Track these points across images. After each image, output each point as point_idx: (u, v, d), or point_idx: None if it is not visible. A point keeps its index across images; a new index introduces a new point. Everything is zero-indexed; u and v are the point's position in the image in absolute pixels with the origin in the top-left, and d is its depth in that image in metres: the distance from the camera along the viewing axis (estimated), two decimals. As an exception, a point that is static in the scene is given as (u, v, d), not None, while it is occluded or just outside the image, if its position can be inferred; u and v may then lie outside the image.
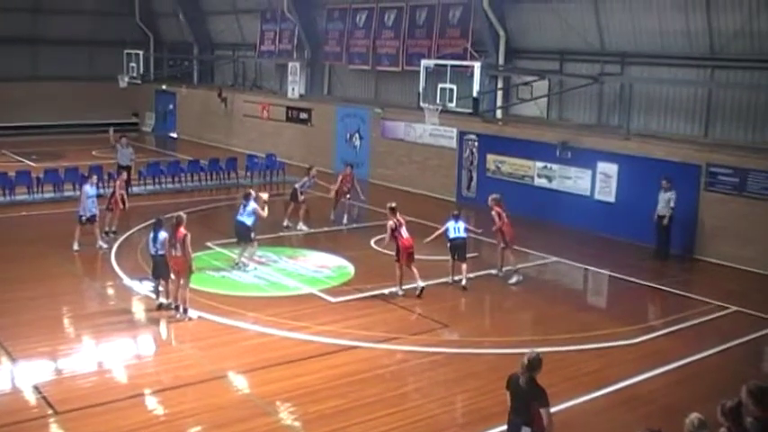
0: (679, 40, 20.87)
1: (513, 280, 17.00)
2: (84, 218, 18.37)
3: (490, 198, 17.33)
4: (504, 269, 17.35)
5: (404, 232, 15.63)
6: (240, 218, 17.37)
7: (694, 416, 7.05)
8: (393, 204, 15.95)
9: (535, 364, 8.00)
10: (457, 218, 16.62)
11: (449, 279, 16.61)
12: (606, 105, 23.10)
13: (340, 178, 22.35)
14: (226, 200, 24.71)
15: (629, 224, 20.15)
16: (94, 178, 19.77)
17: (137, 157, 26.40)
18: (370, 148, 29.38)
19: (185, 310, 14.09)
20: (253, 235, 17.37)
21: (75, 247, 18.23)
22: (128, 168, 24.31)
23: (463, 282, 16.32)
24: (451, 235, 16.45)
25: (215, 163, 28.39)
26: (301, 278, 16.78)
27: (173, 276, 14.35)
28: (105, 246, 18.54)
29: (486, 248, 20.07)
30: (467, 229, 16.85)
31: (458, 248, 16.47)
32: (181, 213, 14.51)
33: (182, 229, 14.03)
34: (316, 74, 33.99)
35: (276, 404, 10.97)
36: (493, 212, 17.00)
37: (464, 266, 16.44)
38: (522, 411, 8.04)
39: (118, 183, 20.27)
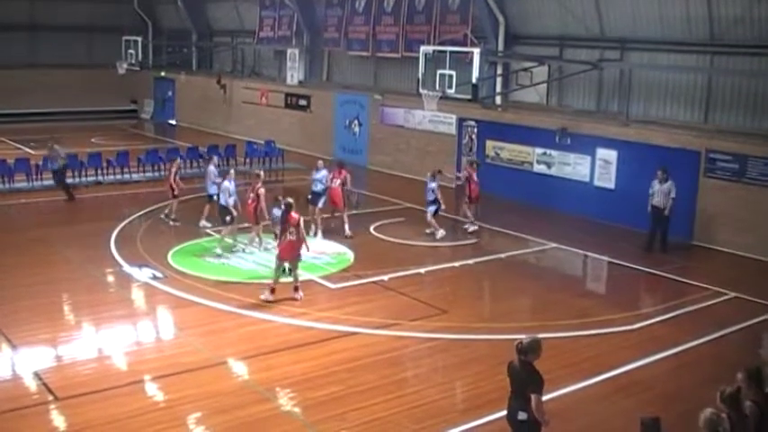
0: (679, 26, 20.80)
1: (471, 229, 19.70)
2: (213, 196, 19.15)
3: (466, 160, 20.42)
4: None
5: (251, 196, 17.26)
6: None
7: (711, 411, 6.99)
8: (260, 173, 18.33)
9: (529, 348, 8.00)
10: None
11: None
12: (606, 91, 23.05)
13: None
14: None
15: (628, 210, 20.12)
16: (215, 159, 20.77)
17: (137, 144, 26.27)
18: (369, 135, 29.34)
19: (296, 288, 14.46)
20: (228, 218, 17.48)
21: (203, 223, 19.45)
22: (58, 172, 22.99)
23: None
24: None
25: (214, 150, 28.34)
26: (300, 264, 16.75)
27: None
28: (209, 225, 19.28)
29: (486, 235, 20.13)
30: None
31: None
32: (289, 199, 14.74)
33: (294, 214, 14.26)
34: (315, 60, 33.89)
35: (275, 390, 11.01)
36: (464, 172, 20.28)
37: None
38: (519, 396, 8.06)
39: (174, 169, 20.28)
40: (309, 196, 19.18)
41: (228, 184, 17.68)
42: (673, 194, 18.24)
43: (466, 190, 20.06)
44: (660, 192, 18.33)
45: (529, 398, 7.89)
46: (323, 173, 19.13)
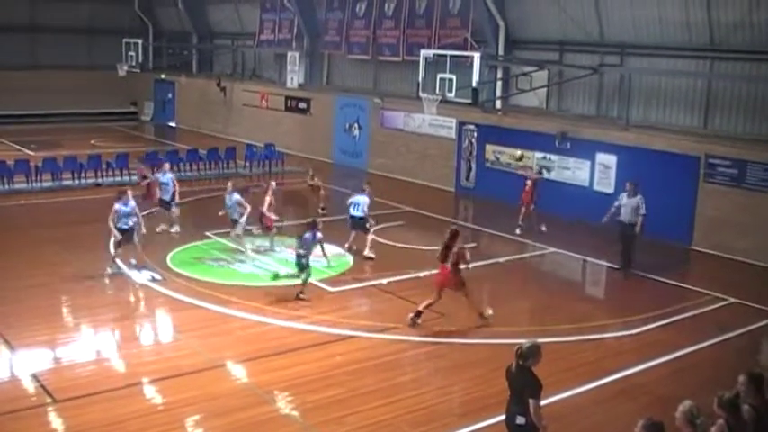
0: (679, 31, 20.83)
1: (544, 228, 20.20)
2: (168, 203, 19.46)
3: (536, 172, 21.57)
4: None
5: (266, 200, 17.73)
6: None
7: (690, 404, 7.02)
8: (272, 182, 18.65)
9: (529, 353, 7.99)
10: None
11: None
12: (605, 96, 23.07)
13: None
14: (224, 190, 24.62)
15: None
16: (166, 166, 20.64)
17: (137, 147, 26.34)
18: (369, 138, 29.35)
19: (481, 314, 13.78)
20: (136, 239, 16.34)
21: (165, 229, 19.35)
22: None
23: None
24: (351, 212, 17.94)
25: (214, 152, 28.36)
26: (300, 268, 16.77)
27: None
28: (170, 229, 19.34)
29: (485, 239, 20.12)
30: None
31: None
32: (454, 227, 14.15)
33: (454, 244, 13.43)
34: (315, 63, 33.93)
35: (274, 393, 11.00)
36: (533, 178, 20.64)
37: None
38: (517, 400, 8.05)
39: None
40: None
41: (125, 207, 15.90)
42: (642, 210, 16.61)
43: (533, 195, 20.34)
44: (628, 206, 16.81)
45: (527, 402, 7.88)
46: (235, 197, 17.90)
